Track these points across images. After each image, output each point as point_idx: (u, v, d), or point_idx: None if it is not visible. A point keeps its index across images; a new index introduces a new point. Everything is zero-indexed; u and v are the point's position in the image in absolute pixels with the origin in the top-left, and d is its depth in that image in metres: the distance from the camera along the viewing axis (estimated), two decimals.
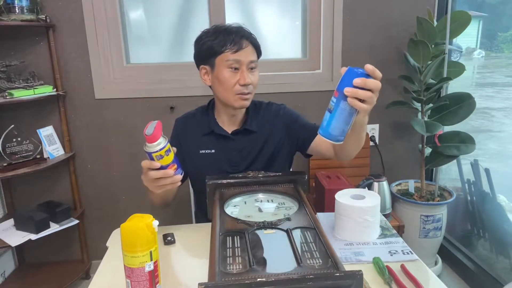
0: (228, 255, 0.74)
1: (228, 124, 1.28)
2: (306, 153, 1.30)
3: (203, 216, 1.33)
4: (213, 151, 1.26)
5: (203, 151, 1.26)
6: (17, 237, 1.79)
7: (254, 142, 1.27)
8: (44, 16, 1.87)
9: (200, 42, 1.20)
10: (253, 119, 1.28)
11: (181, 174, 0.99)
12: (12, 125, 1.92)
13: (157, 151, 0.92)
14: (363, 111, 0.83)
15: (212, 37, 1.17)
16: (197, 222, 1.49)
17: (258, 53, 1.22)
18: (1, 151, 1.85)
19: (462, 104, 1.93)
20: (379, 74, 0.81)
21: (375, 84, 0.80)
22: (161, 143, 0.92)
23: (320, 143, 1.22)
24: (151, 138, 0.91)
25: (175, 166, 0.96)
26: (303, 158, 1.37)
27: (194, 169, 1.29)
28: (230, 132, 1.27)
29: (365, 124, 0.99)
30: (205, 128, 1.27)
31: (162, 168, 0.95)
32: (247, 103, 1.21)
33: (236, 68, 1.16)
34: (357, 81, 0.80)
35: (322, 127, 0.85)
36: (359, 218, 1.01)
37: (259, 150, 1.27)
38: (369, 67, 0.80)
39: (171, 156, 0.94)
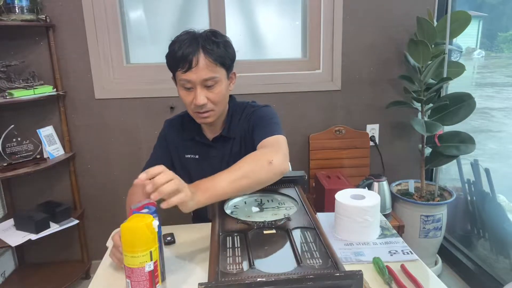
0: (228, 255, 0.74)
1: (209, 130, 1.25)
2: None
3: (203, 214, 1.32)
4: (197, 156, 1.25)
5: (189, 156, 1.26)
6: (17, 237, 1.79)
7: (232, 148, 1.24)
8: (44, 16, 1.87)
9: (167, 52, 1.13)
10: (231, 125, 1.22)
11: None
12: (12, 125, 1.92)
13: None
14: (181, 200, 0.79)
15: (170, 50, 1.09)
16: (197, 219, 1.48)
17: (223, 64, 1.08)
18: (1, 151, 1.85)
19: (462, 104, 1.93)
20: (152, 173, 0.79)
21: (160, 178, 0.78)
22: None
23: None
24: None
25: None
26: (303, 158, 1.37)
27: (182, 172, 1.27)
28: (211, 139, 1.24)
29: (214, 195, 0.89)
30: (189, 134, 1.26)
31: None
32: (209, 120, 1.14)
33: (190, 88, 1.08)
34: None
35: None
36: (359, 218, 1.01)
37: (235, 156, 1.22)
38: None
39: None
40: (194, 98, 1.08)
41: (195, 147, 1.25)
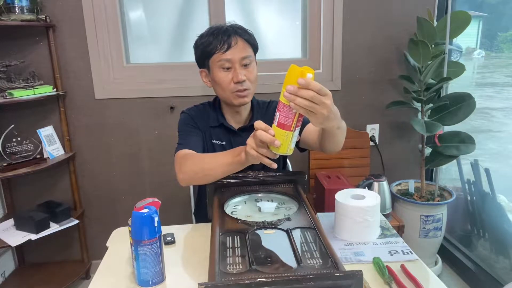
0: (228, 255, 0.74)
1: (233, 121, 1.30)
2: (299, 147, 1.29)
3: (202, 214, 1.33)
4: (224, 143, 1.28)
5: (215, 141, 1.29)
6: (17, 237, 1.79)
7: None
8: (44, 16, 1.87)
9: (195, 47, 1.24)
10: (258, 116, 1.30)
11: None
12: (12, 125, 1.92)
13: None
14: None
15: (204, 40, 1.19)
16: (197, 219, 1.49)
17: (253, 47, 1.23)
18: (1, 151, 1.85)
19: (462, 104, 1.93)
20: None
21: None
22: None
23: (308, 134, 1.20)
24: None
25: None
26: (303, 158, 1.37)
27: None
28: (237, 128, 1.29)
29: (330, 124, 0.97)
30: (214, 121, 1.29)
31: None
32: (247, 99, 1.22)
33: (228, 67, 1.18)
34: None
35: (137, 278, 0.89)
36: (359, 218, 1.01)
37: None
38: None
39: None
40: (233, 76, 1.18)
41: (222, 134, 1.29)
